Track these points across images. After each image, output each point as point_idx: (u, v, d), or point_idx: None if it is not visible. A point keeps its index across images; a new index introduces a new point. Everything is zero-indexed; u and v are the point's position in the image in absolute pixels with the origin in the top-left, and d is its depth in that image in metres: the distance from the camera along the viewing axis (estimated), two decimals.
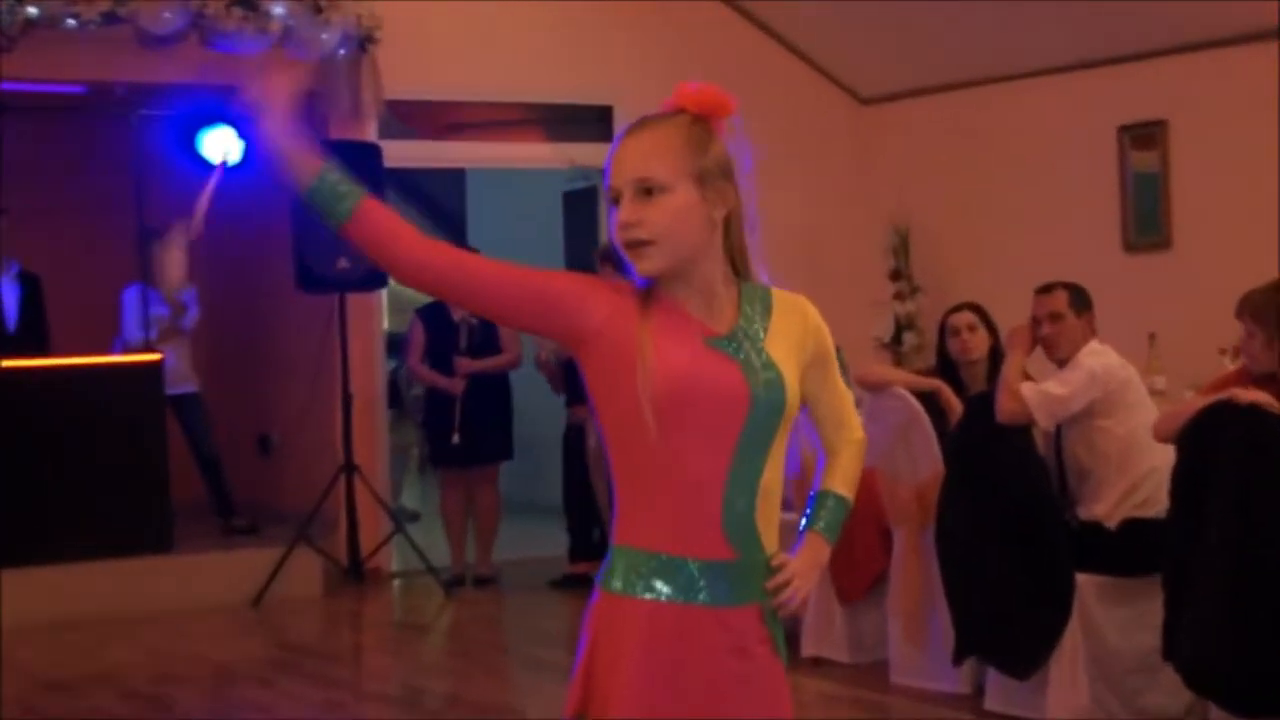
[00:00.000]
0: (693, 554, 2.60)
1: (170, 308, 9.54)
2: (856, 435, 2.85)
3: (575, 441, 9.15)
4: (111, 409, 8.83)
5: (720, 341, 2.64)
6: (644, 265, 2.61)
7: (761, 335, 2.67)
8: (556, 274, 2.67)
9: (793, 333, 2.70)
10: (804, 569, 2.72)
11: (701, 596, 2.61)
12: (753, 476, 2.63)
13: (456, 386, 9.10)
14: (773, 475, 2.66)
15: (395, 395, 11.19)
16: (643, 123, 2.66)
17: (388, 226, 2.62)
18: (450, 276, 2.62)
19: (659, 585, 2.60)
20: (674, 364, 2.58)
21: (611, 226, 2.65)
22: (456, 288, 2.63)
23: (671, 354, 2.59)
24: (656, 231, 2.59)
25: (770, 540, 2.68)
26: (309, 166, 2.59)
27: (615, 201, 2.63)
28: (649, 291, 2.65)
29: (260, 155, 2.60)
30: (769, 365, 2.64)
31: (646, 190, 2.59)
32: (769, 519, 2.67)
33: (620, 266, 2.68)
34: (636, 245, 2.61)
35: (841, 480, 2.83)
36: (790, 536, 2.73)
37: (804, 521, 2.81)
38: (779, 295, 2.73)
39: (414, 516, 11.70)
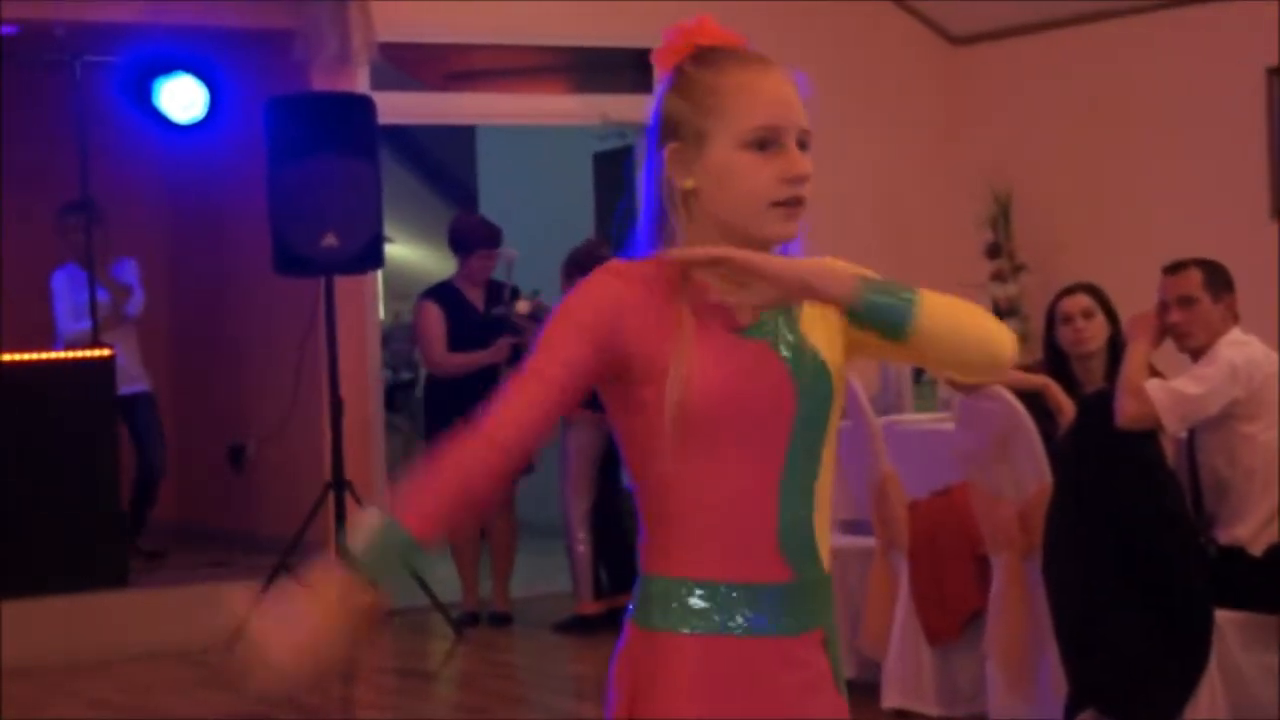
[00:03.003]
0: (744, 578, 2.63)
1: (109, 291, 9.55)
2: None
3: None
4: (52, 417, 8.85)
5: (752, 330, 2.65)
6: (793, 229, 2.64)
7: (796, 316, 2.68)
8: (575, 315, 2.61)
9: (829, 310, 2.66)
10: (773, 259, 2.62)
11: (761, 626, 2.63)
12: (807, 482, 2.66)
13: (500, 352, 9.08)
14: (826, 479, 2.69)
15: (390, 397, 11.20)
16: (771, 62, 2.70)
17: (458, 498, 2.55)
18: (552, 419, 2.59)
19: (709, 617, 2.62)
20: (709, 363, 2.59)
21: (754, 174, 2.60)
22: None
23: (706, 352, 2.60)
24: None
25: (826, 555, 2.70)
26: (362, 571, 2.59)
27: (762, 145, 2.62)
28: (664, 274, 2.61)
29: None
30: (810, 352, 2.66)
31: (803, 145, 2.64)
32: (825, 530, 2.70)
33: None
34: (796, 204, 2.63)
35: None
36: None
37: None
38: None
39: None
